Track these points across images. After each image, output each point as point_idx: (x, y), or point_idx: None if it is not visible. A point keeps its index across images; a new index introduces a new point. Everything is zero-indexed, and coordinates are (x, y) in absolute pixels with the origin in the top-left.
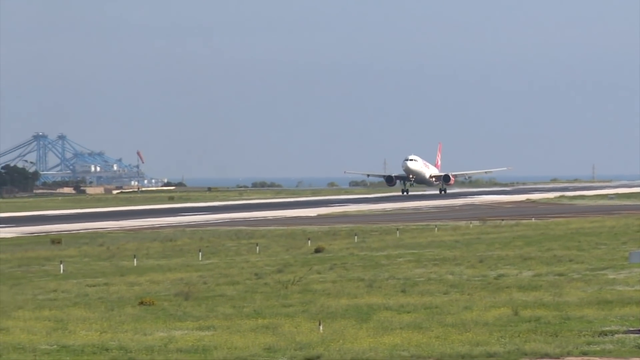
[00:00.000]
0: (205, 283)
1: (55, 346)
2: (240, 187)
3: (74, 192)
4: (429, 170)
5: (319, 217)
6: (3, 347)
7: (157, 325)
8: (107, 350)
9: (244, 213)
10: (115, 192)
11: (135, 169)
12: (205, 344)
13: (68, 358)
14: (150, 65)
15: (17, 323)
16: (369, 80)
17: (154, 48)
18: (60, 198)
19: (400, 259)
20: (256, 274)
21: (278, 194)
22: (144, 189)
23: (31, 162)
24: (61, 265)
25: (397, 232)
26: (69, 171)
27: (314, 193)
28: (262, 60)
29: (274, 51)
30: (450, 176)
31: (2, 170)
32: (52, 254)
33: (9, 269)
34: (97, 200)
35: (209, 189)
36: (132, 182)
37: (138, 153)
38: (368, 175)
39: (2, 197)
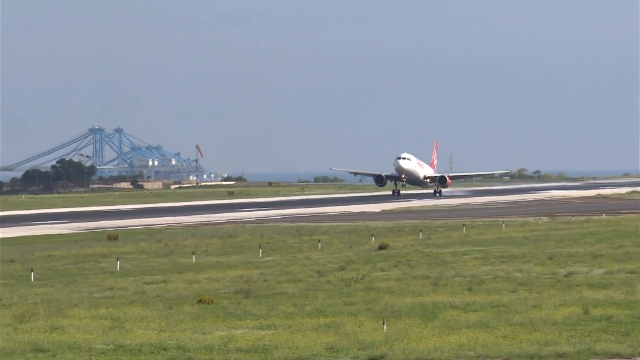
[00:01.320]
0: (265, 281)
1: (111, 345)
2: (302, 181)
3: (131, 187)
4: (423, 170)
5: (383, 212)
6: (58, 347)
7: (217, 324)
8: (165, 349)
9: (306, 209)
10: (173, 187)
11: (194, 163)
12: (265, 343)
13: (125, 358)
14: (210, 58)
15: (72, 322)
16: (430, 72)
17: (214, 40)
18: (117, 193)
19: (467, 256)
20: (318, 272)
21: (341, 189)
22: (202, 183)
23: (87, 156)
24: (118, 262)
25: (464, 228)
26: (126, 165)
27: (377, 188)
28: (325, 52)
29: (336, 43)
30: (447, 178)
31: (58, 165)
32: (108, 250)
33: (65, 266)
34: (155, 196)
35: (270, 184)
36: (191, 177)
37: (197, 147)
38: (355, 174)
39: (58, 192)
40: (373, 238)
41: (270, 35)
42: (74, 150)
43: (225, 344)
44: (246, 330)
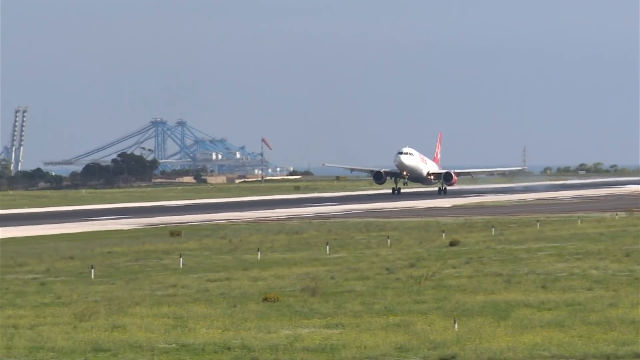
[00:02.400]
0: (333, 278)
1: (174, 345)
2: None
3: (194, 181)
4: (426, 166)
5: (454, 208)
6: (119, 346)
7: (282, 323)
8: (229, 349)
9: (374, 204)
10: (238, 181)
11: (259, 157)
12: (333, 342)
13: (188, 357)
14: (277, 48)
15: (134, 320)
16: (503, 63)
17: (281, 29)
18: (179, 187)
19: (541, 253)
20: (387, 269)
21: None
22: (268, 178)
23: (149, 150)
24: (181, 259)
25: (537, 224)
26: (189, 159)
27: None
28: (399, 41)
29: (404, 33)
30: (453, 174)
31: (119, 158)
32: (171, 247)
33: (126, 263)
34: (219, 190)
35: (337, 178)
36: (256, 171)
37: (263, 140)
38: (352, 170)
39: (119, 187)
40: (444, 234)
41: (339, 24)
42: (135, 144)
43: (291, 344)
44: (313, 329)
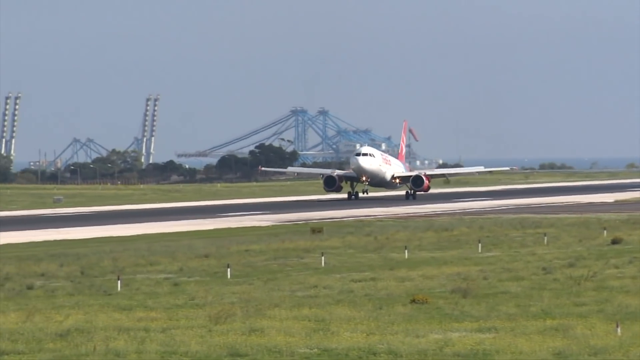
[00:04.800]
0: (485, 278)
1: (315, 350)
2: (526, 169)
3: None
4: (390, 168)
5: (616, 203)
6: (257, 351)
7: (431, 326)
8: (374, 354)
9: (530, 199)
10: None
11: (406, 149)
12: (485, 347)
13: None
14: (423, 32)
15: (273, 323)
16: None
17: (426, 12)
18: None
19: None
20: (544, 269)
21: (569, 177)
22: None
23: (289, 141)
24: (322, 258)
25: None
26: (331, 151)
27: (611, 176)
28: (555, 24)
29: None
30: (424, 178)
31: (256, 150)
32: (312, 244)
33: (264, 261)
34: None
35: (490, 172)
36: None
37: (410, 130)
38: (296, 174)
39: (256, 181)
40: (605, 231)
41: (495, 8)
42: (274, 134)
43: (441, 348)
44: (464, 333)
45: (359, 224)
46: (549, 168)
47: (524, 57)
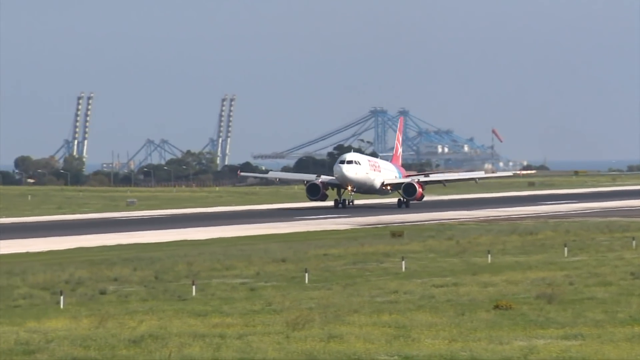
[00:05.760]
0: (571, 284)
1: (396, 357)
2: (613, 170)
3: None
4: (380, 175)
5: None
6: (336, 358)
7: (515, 333)
8: None
9: (618, 201)
10: None
11: (489, 150)
12: (571, 355)
13: None
14: (507, 31)
15: (352, 329)
16: None
17: (510, 10)
18: None
19: None
20: (632, 274)
21: None
22: (499, 173)
23: (368, 142)
24: (403, 262)
25: None
26: (412, 152)
27: None
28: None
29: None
30: (416, 186)
31: (335, 152)
32: (392, 248)
33: (343, 266)
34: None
35: (576, 173)
36: (486, 165)
37: (493, 131)
38: (277, 180)
39: None
40: None
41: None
42: (353, 135)
43: (526, 356)
44: (549, 340)
45: (440, 228)
46: (638, 170)
47: (612, 56)
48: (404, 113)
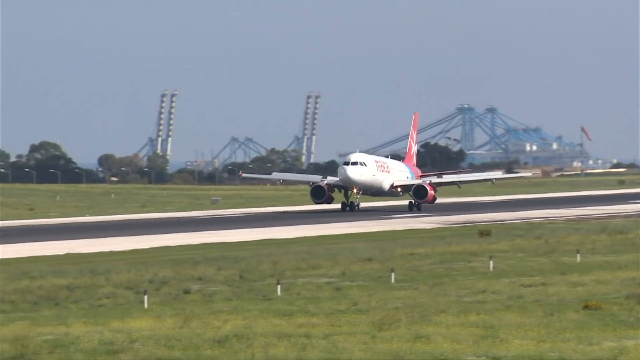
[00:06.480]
0: None
1: (484, 357)
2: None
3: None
4: (389, 177)
5: None
6: (423, 357)
7: (605, 334)
8: None
9: None
10: (554, 174)
11: (578, 148)
12: None
13: None
14: (597, 27)
15: (439, 329)
16: None
17: (599, 7)
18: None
19: None
20: None
21: None
22: (588, 170)
23: (455, 140)
24: (490, 262)
25: None
26: (499, 150)
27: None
28: None
29: None
30: (427, 188)
31: (421, 149)
32: (479, 247)
33: (430, 265)
34: (533, 185)
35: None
36: (574, 163)
37: (583, 129)
38: (282, 182)
39: None
40: None
41: None
42: (440, 133)
43: (616, 357)
44: (639, 341)
45: (529, 227)
46: None
47: None
48: (491, 110)
